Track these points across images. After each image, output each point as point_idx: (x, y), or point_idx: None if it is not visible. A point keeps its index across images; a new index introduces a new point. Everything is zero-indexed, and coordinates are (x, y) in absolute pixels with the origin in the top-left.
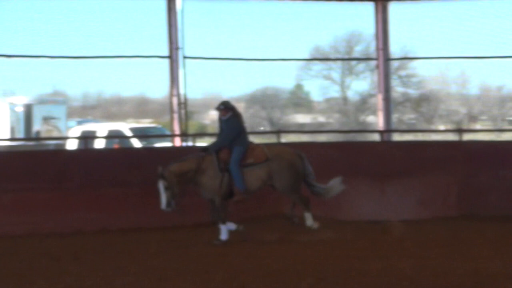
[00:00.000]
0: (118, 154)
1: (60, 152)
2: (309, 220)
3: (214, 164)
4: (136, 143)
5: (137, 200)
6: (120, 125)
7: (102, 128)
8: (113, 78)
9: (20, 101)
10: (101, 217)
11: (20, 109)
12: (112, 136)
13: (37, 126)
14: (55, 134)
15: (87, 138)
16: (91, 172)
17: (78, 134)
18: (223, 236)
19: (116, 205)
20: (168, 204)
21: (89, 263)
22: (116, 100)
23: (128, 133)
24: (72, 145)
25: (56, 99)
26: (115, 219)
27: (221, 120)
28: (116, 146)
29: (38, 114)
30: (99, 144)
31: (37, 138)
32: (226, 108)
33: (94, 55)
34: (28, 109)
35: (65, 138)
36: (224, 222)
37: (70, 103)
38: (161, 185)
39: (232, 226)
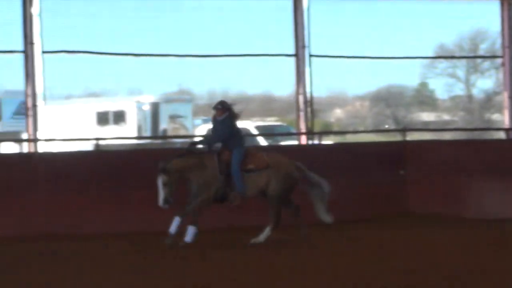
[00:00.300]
0: None
1: None
2: (262, 236)
3: (214, 164)
4: (262, 141)
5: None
6: (245, 123)
7: None
8: (239, 76)
9: (147, 99)
10: (227, 214)
11: (147, 108)
12: None
13: (164, 124)
14: (181, 132)
15: None
16: None
17: (205, 132)
18: (188, 238)
19: (241, 203)
20: (166, 200)
21: (215, 260)
22: (241, 98)
23: (254, 131)
24: None
25: (182, 97)
26: (239, 217)
27: (215, 120)
28: None
29: (164, 113)
30: None
31: (164, 136)
32: (223, 108)
33: (220, 54)
34: (155, 108)
35: (192, 136)
36: (194, 224)
37: (196, 101)
38: (160, 180)
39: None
